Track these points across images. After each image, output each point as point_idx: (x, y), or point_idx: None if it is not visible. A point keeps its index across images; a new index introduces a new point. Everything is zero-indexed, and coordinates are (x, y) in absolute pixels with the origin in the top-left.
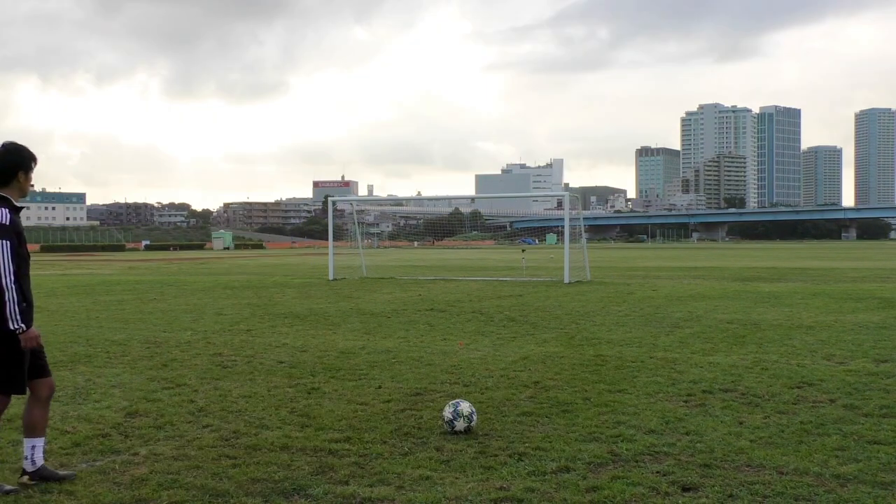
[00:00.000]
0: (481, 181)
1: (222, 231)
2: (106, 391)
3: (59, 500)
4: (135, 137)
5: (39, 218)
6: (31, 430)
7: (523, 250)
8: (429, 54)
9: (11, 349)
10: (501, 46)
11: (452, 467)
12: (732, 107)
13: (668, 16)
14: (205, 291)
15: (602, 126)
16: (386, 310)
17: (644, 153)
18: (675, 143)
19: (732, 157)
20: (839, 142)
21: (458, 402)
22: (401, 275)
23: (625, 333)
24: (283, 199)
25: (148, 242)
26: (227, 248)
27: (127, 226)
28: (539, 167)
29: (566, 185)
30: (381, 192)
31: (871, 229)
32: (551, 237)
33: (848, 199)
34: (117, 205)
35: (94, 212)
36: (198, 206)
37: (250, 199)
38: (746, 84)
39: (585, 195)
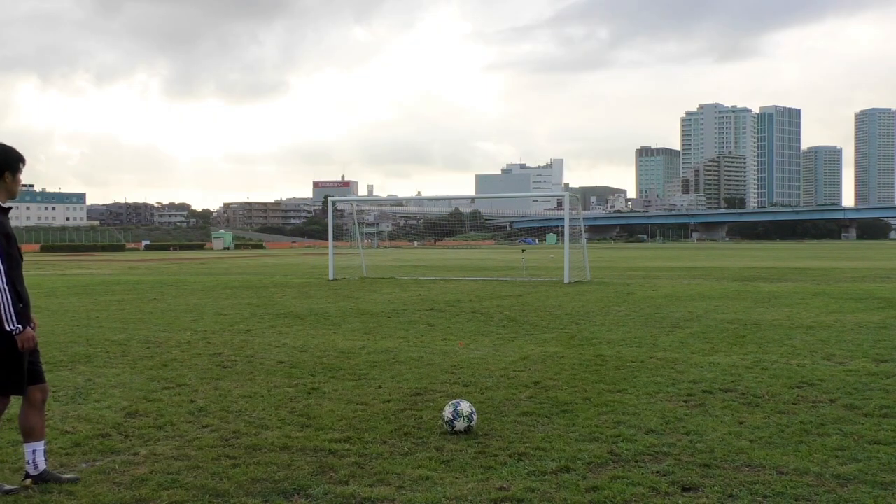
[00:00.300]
0: (481, 181)
1: (222, 231)
2: (106, 391)
3: (59, 500)
4: (135, 137)
5: (39, 218)
6: (29, 434)
7: (523, 250)
8: (429, 54)
9: (9, 350)
10: (501, 46)
11: (452, 467)
12: (732, 107)
13: (668, 16)
14: (205, 291)
15: (602, 126)
16: (386, 310)
17: (644, 153)
18: (675, 143)
19: (732, 157)
20: (839, 142)
21: (458, 402)
22: (401, 275)
23: (625, 333)
24: (283, 199)
25: (148, 242)
26: (227, 249)
27: (127, 226)
28: (539, 167)
29: (566, 185)
30: (381, 192)
31: (871, 229)
32: (551, 237)
33: (848, 199)
34: (117, 205)
35: (94, 212)
36: (198, 206)
37: (250, 199)
38: (746, 84)
39: (585, 195)
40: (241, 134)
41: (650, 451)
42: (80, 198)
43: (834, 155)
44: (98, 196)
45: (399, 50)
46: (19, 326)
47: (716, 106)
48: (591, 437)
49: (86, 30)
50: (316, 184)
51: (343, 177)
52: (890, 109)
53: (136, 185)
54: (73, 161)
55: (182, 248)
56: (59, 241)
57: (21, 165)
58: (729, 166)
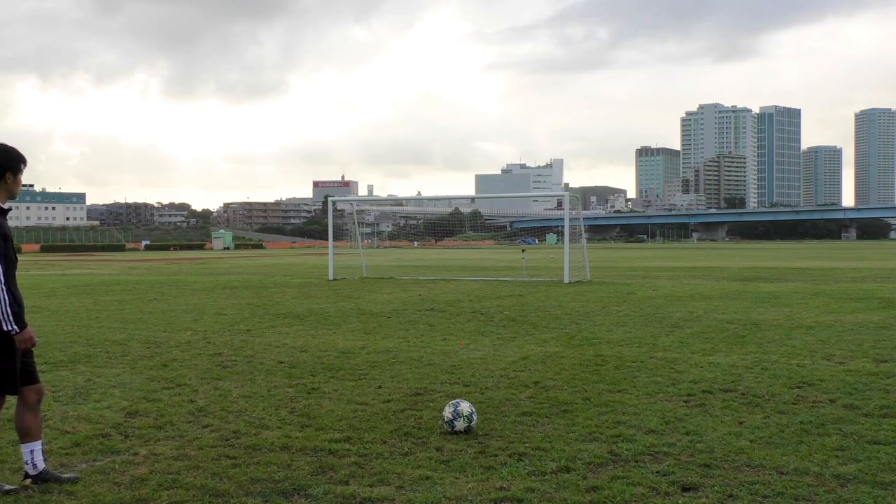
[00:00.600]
0: (481, 181)
1: (222, 231)
2: (106, 391)
3: (59, 500)
4: (135, 137)
5: (39, 218)
6: (26, 435)
7: (523, 250)
8: (428, 54)
9: (5, 351)
10: (501, 46)
11: (452, 467)
12: (732, 107)
13: (667, 16)
14: (205, 291)
15: (602, 126)
16: (386, 310)
17: (644, 153)
18: (675, 143)
19: (732, 157)
20: (839, 142)
21: (458, 402)
22: (401, 275)
23: (625, 333)
24: (283, 199)
25: (148, 242)
26: (227, 249)
27: (127, 226)
28: (539, 167)
29: (566, 185)
30: (381, 192)
31: (871, 229)
32: (551, 237)
33: (848, 199)
34: (117, 205)
35: (94, 212)
36: (198, 206)
37: (250, 199)
38: (746, 84)
39: (585, 195)
40: (241, 134)
41: (650, 451)
42: (80, 198)
43: (834, 155)
44: (98, 196)
45: (399, 50)
46: (16, 327)
47: (716, 106)
48: (591, 437)
49: (85, 30)
50: (316, 184)
51: (343, 177)
52: (890, 109)
53: (136, 185)
54: (73, 161)
55: (182, 248)
56: (59, 241)
57: (22, 166)
58: (729, 166)
